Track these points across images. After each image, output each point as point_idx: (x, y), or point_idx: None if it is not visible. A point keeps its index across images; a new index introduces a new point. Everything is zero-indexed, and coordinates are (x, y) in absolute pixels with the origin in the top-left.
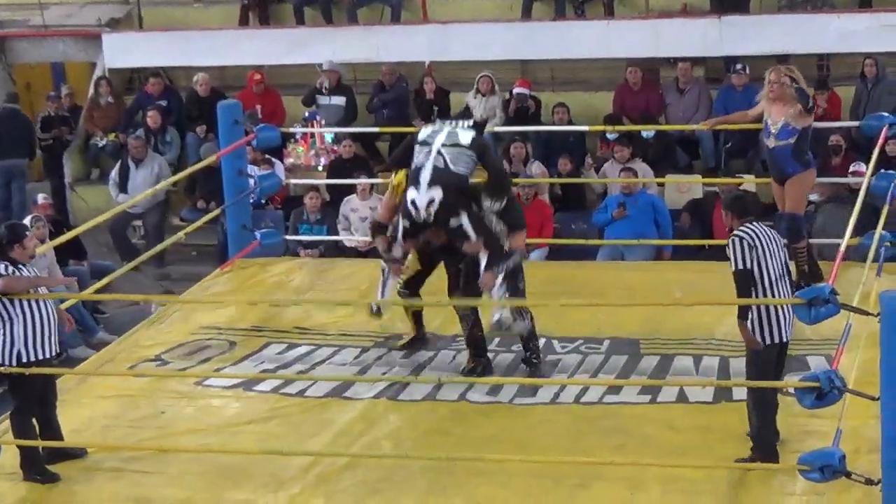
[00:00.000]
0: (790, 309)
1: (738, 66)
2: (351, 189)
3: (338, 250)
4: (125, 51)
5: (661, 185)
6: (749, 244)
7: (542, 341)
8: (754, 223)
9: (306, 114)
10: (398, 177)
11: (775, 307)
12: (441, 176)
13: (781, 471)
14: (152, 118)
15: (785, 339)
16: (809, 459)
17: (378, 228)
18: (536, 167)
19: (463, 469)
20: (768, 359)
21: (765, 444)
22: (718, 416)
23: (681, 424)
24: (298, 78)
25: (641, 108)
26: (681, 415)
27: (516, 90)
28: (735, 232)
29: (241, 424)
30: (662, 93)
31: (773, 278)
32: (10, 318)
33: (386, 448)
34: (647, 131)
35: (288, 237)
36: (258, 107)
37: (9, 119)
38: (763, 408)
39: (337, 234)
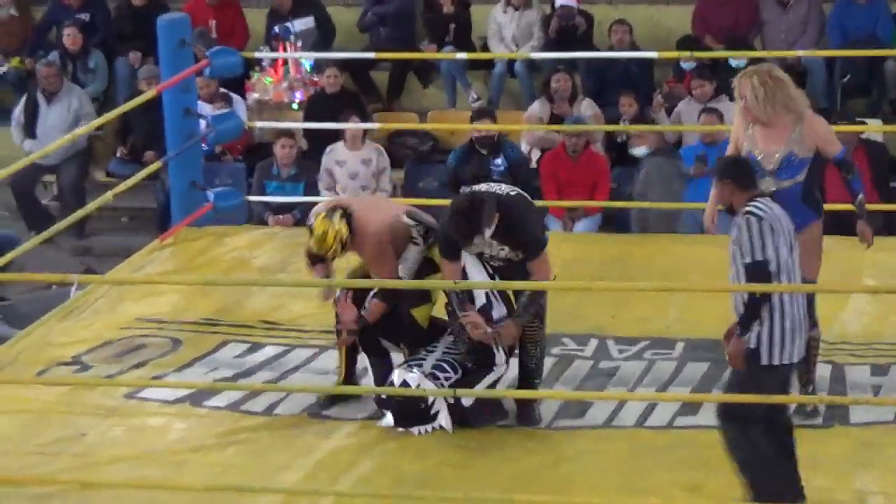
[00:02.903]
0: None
1: None
2: (336, 135)
3: None
4: None
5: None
6: (770, 226)
7: (593, 343)
8: (765, 199)
9: (276, 29)
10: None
11: (790, 317)
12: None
13: None
14: (70, 37)
15: (796, 360)
16: None
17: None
18: (587, 106)
19: None
20: (769, 386)
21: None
22: (829, 445)
23: None
24: None
25: (729, 28)
26: None
27: (561, 1)
28: (748, 208)
29: (187, 452)
30: (758, 6)
31: (791, 277)
32: None
33: (382, 485)
34: (738, 59)
35: (251, 198)
36: (212, 22)
37: None
38: (756, 463)
39: (317, 193)
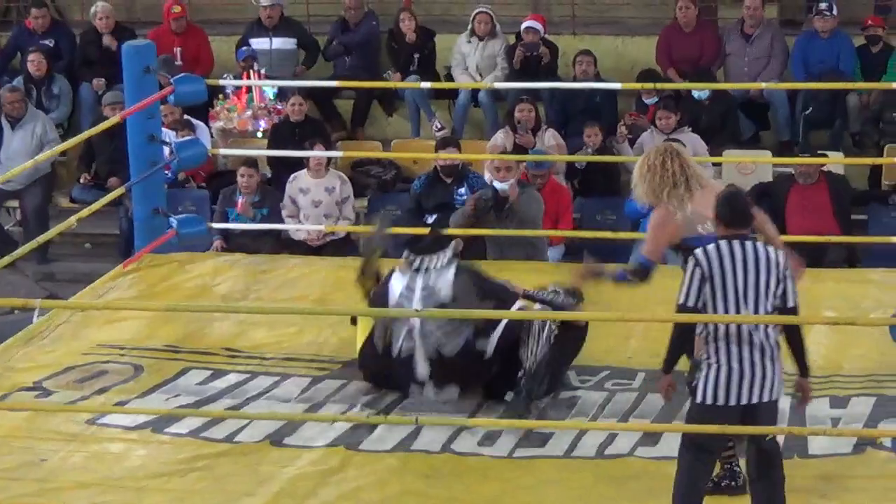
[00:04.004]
0: (761, 367)
1: (823, 6)
2: (300, 163)
3: (281, 244)
4: None
5: (717, 164)
6: (703, 275)
7: None
8: (741, 242)
9: (241, 51)
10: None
11: (734, 359)
12: (446, 372)
13: None
14: (35, 63)
15: (744, 402)
16: None
17: None
18: (550, 137)
19: None
20: (706, 422)
21: None
22: (788, 476)
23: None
24: (230, 12)
25: (693, 59)
26: None
27: (527, 25)
28: (695, 252)
29: (148, 478)
30: (722, 38)
31: (739, 332)
32: None
33: None
34: (700, 91)
35: (215, 225)
36: (177, 50)
37: None
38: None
39: (281, 220)
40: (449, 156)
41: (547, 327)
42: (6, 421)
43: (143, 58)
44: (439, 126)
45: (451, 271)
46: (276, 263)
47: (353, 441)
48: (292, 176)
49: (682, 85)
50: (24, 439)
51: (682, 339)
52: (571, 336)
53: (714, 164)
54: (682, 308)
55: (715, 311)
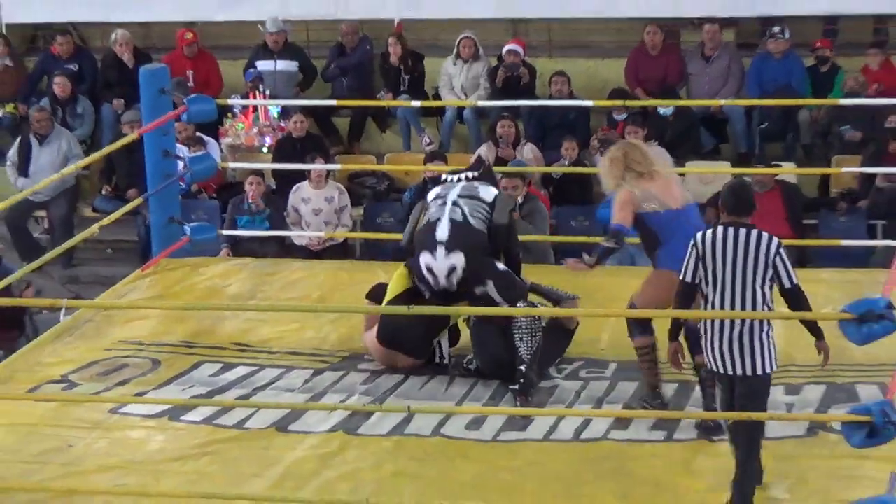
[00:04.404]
0: (749, 343)
1: (776, 29)
2: (302, 175)
3: (284, 249)
4: (26, 2)
5: (681, 174)
6: (698, 254)
7: None
8: (736, 229)
9: (248, 73)
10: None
11: (719, 336)
12: (461, 235)
13: None
14: (60, 85)
15: (728, 372)
16: None
17: None
18: (529, 150)
19: None
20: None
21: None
22: None
23: (701, 467)
24: (238, 38)
25: (658, 80)
26: (702, 455)
27: (508, 48)
28: (696, 234)
29: (165, 461)
30: (684, 60)
31: (722, 300)
32: None
33: (342, 492)
34: (665, 107)
35: (225, 231)
36: (189, 73)
37: None
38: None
39: (285, 227)
40: (437, 168)
41: (538, 321)
42: (36, 410)
43: (159, 80)
44: (428, 141)
45: (495, 192)
46: (281, 266)
47: (352, 426)
48: (295, 187)
49: (649, 102)
50: (53, 427)
51: (680, 308)
52: (562, 334)
53: (679, 174)
54: (681, 282)
55: (707, 287)
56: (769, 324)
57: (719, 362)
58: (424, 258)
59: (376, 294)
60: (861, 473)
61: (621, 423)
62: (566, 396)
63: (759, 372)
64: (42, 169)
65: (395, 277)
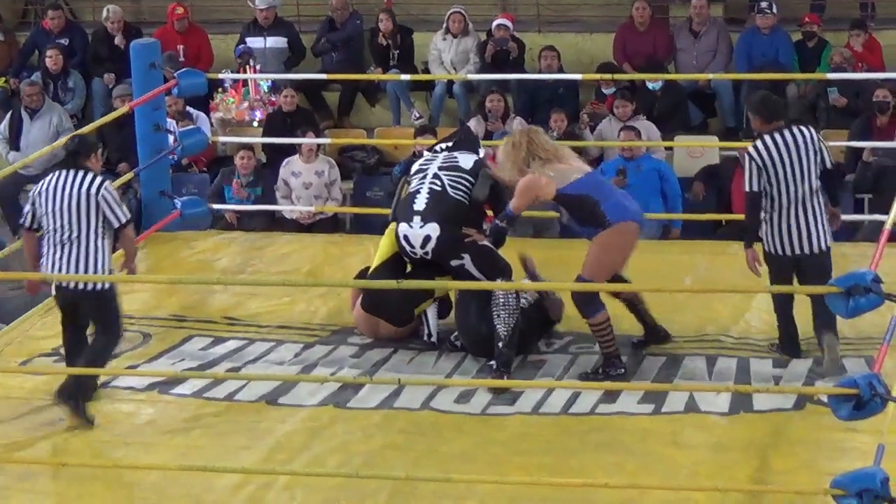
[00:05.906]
0: (806, 226)
1: (764, 4)
2: (292, 149)
3: (275, 223)
4: None
5: (669, 148)
6: (758, 166)
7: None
8: (780, 132)
9: (237, 48)
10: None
11: (787, 226)
12: (438, 206)
13: (810, 496)
14: (51, 60)
15: (794, 253)
16: (845, 482)
17: None
18: (518, 124)
19: (426, 491)
20: (779, 267)
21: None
22: (735, 430)
23: (689, 440)
24: (228, 13)
25: (647, 54)
26: (690, 428)
27: (497, 22)
28: (748, 148)
29: (155, 434)
30: (672, 35)
31: (789, 201)
32: None
33: (332, 465)
34: (654, 82)
35: (215, 206)
36: (180, 47)
37: None
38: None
39: (274, 202)
40: (426, 142)
41: (520, 298)
42: (28, 383)
43: (150, 55)
44: (417, 115)
45: (475, 158)
46: (271, 240)
47: (342, 400)
48: (285, 161)
49: (637, 76)
50: (44, 400)
51: (752, 217)
52: (545, 320)
53: (667, 149)
54: (748, 193)
55: (774, 189)
56: (821, 207)
57: (786, 245)
58: (402, 228)
59: (362, 278)
60: (849, 446)
61: (610, 396)
62: (555, 370)
63: (824, 247)
64: (33, 143)
65: (386, 234)
